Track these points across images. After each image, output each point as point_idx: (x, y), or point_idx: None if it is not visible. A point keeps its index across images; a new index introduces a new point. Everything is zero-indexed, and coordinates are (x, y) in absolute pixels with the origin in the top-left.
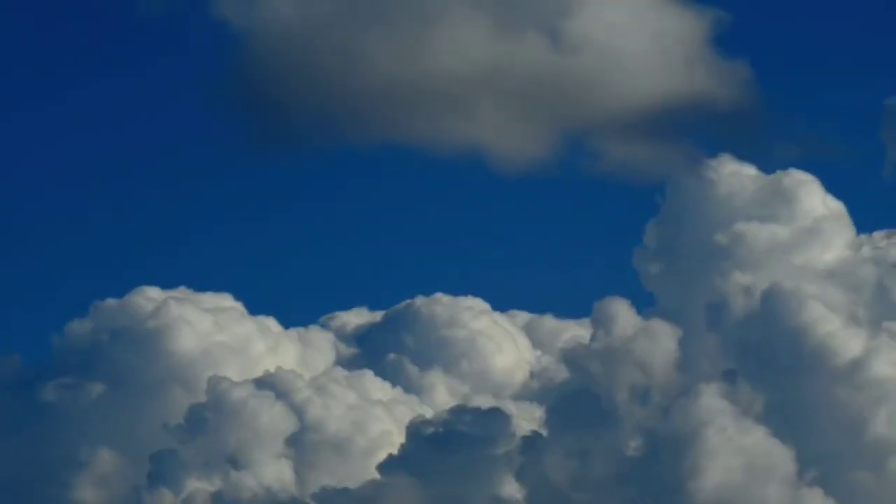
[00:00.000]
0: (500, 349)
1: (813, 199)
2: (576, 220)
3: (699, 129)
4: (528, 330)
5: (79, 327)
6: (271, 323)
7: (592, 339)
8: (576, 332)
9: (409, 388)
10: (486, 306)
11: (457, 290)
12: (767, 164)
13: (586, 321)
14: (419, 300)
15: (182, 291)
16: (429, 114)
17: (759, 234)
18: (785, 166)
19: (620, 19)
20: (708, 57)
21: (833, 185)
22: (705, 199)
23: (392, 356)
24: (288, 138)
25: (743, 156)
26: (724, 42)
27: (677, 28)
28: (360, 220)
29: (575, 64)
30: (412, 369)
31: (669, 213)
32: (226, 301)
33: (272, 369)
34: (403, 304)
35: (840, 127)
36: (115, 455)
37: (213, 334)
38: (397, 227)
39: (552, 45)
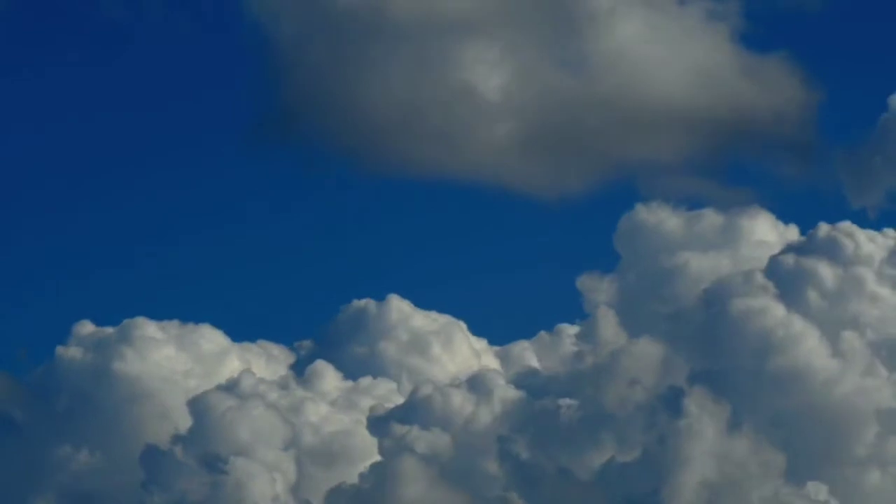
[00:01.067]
0: (473, 359)
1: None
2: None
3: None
4: (504, 350)
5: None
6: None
7: (577, 353)
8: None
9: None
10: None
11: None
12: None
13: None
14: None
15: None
16: (442, 141)
17: (703, 261)
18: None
19: (644, 32)
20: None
21: None
22: (655, 231)
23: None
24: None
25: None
26: (753, 39)
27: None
28: (337, 232)
29: (599, 86)
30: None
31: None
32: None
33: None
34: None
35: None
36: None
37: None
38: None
39: (573, 67)
